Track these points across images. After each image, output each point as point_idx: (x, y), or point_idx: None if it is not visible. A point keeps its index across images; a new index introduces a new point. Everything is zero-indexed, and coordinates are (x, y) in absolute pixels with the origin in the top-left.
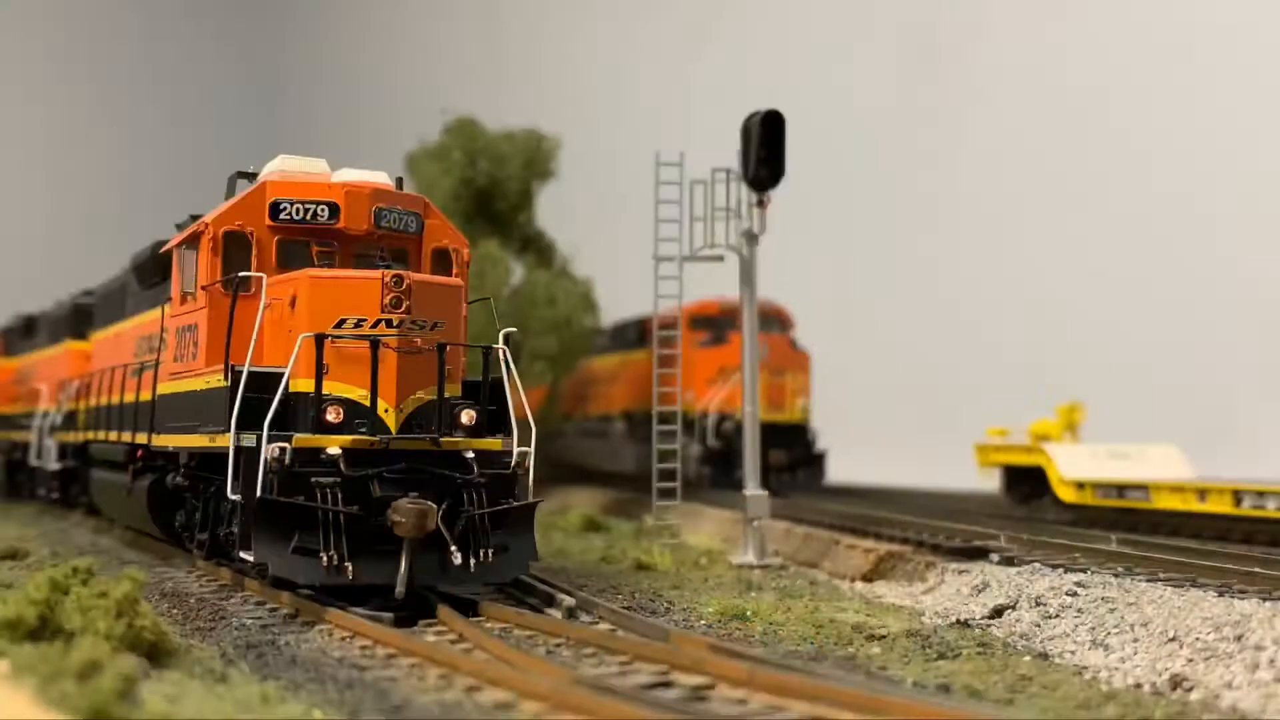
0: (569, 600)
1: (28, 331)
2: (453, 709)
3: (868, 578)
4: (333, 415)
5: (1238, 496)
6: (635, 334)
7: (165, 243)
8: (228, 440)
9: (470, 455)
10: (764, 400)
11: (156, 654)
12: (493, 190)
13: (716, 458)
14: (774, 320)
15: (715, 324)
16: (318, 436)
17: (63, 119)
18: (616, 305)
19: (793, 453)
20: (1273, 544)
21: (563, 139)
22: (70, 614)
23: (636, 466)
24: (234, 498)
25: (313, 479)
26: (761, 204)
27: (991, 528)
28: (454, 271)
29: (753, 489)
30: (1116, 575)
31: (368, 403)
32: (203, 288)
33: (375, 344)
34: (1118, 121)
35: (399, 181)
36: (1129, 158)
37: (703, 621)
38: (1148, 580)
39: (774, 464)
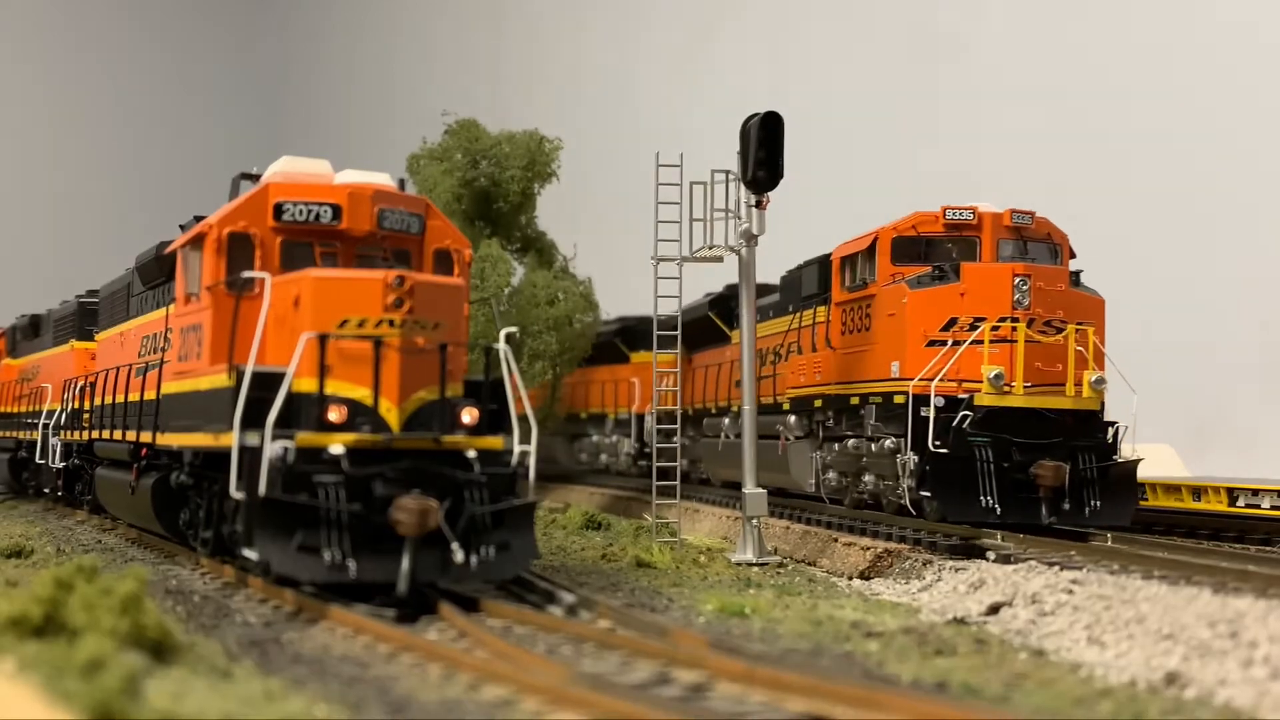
0: (569, 597)
1: (33, 331)
2: (454, 705)
3: (865, 575)
4: (335, 414)
5: (1232, 495)
6: (816, 282)
7: (169, 243)
8: (231, 439)
9: (472, 454)
10: (1027, 372)
11: (160, 651)
12: (494, 191)
13: (946, 469)
14: (1040, 242)
15: (937, 249)
16: (321, 435)
17: (67, 121)
18: (617, 305)
19: (1080, 463)
20: (1267, 542)
21: (563, 140)
22: (75, 611)
23: (821, 486)
24: (237, 496)
25: (315, 477)
26: (760, 205)
27: (988, 526)
28: (456, 272)
29: (751, 487)
30: (1112, 573)
31: (370, 402)
32: (207, 288)
33: (378, 344)
34: (1116, 122)
35: (401, 183)
36: (1127, 157)
37: (702, 618)
38: (1143, 578)
39: (1046, 482)
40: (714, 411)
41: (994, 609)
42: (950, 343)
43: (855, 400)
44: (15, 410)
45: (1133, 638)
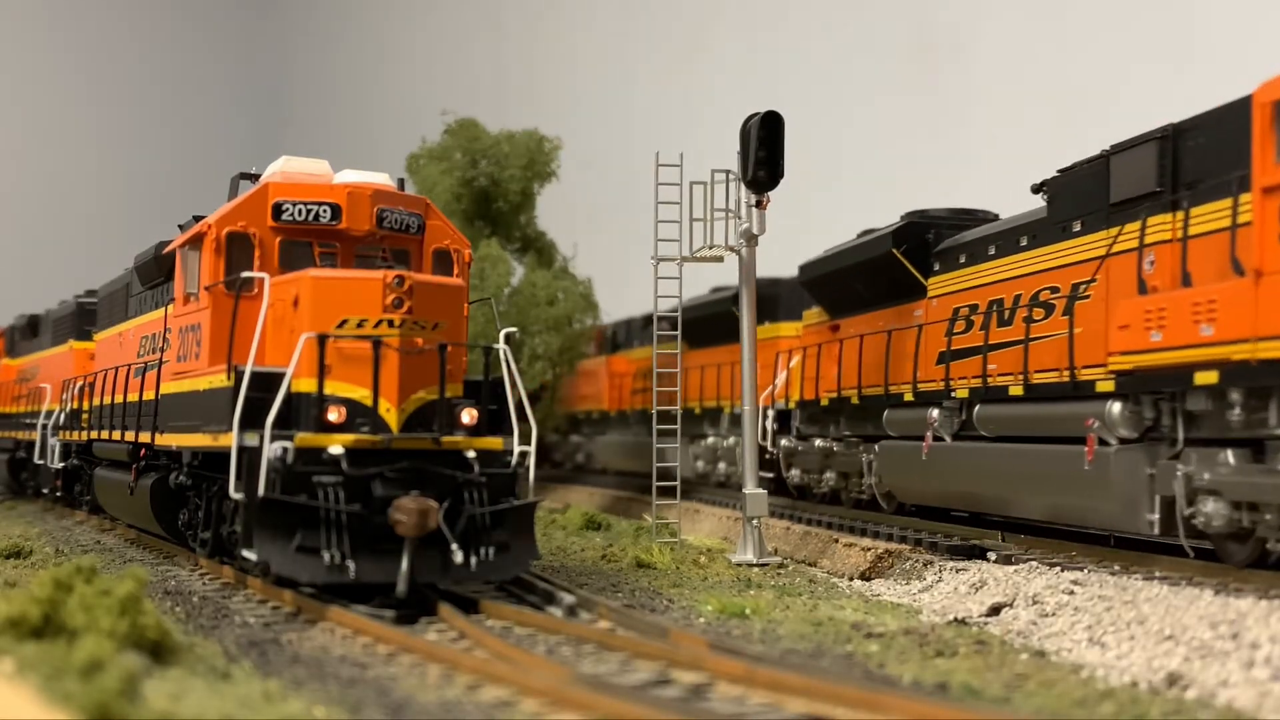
0: (569, 598)
1: (32, 331)
2: (453, 707)
3: (866, 576)
4: (335, 415)
5: None
6: (1155, 172)
7: (168, 243)
8: (230, 439)
9: (471, 454)
10: None
11: (159, 652)
12: (493, 191)
13: None
14: None
15: None
16: (320, 436)
17: (67, 120)
18: (617, 305)
19: None
20: None
21: (563, 140)
22: (74, 612)
23: (1177, 524)
24: (236, 496)
25: (315, 478)
26: (760, 205)
27: (989, 526)
28: (455, 272)
29: (751, 487)
30: (1113, 573)
31: (369, 402)
32: (206, 288)
33: (377, 344)
34: (1117, 123)
35: (400, 183)
36: None
37: (702, 619)
38: (1144, 578)
39: None
40: (907, 400)
41: (995, 610)
42: None
43: None
44: (14, 410)
45: (1134, 639)
